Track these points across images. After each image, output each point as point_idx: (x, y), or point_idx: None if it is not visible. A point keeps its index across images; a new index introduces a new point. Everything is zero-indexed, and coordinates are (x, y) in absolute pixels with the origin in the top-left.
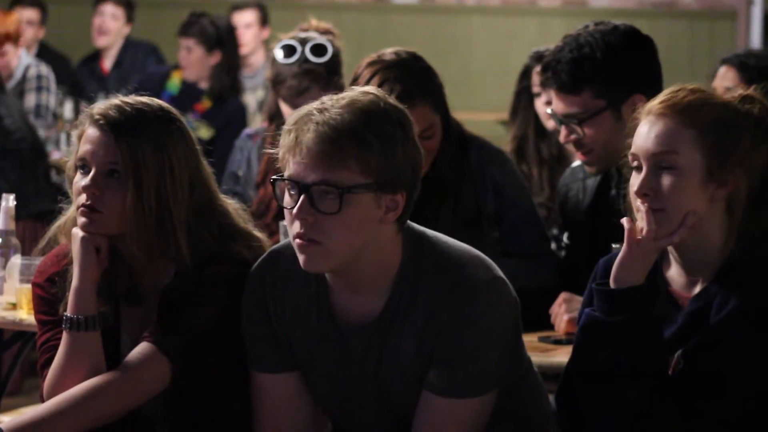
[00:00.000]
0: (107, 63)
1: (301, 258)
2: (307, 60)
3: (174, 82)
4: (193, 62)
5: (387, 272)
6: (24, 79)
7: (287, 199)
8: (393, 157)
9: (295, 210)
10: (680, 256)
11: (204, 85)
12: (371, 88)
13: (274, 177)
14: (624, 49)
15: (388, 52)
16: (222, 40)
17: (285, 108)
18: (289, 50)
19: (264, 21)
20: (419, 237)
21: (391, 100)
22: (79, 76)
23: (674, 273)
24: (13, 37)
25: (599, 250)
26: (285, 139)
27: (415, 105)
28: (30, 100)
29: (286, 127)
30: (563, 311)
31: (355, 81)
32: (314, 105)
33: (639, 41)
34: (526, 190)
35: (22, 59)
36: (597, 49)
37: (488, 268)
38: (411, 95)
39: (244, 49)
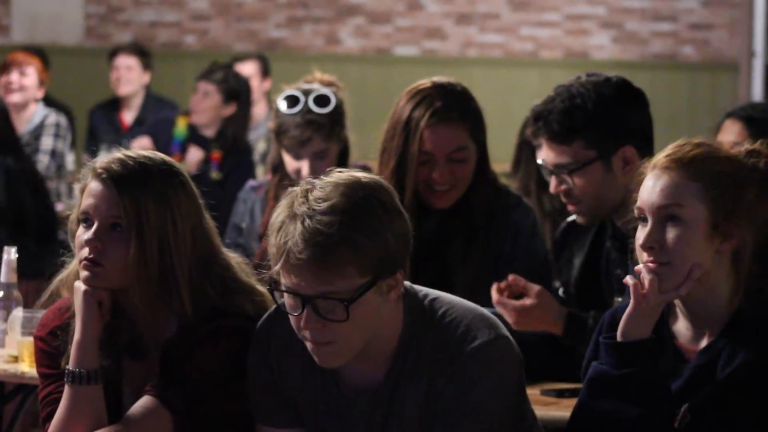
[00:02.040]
0: (128, 116)
1: (315, 357)
2: (310, 110)
3: (180, 128)
4: (206, 107)
5: (389, 340)
6: (42, 125)
7: (290, 303)
8: (386, 245)
9: (302, 322)
10: (687, 309)
11: (209, 132)
12: (344, 175)
13: (270, 287)
14: (616, 100)
15: (435, 78)
16: (240, 94)
17: (288, 159)
18: (292, 101)
19: (265, 72)
20: (420, 300)
21: (364, 178)
22: (94, 122)
23: (681, 326)
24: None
25: (593, 302)
26: (274, 239)
27: (452, 122)
28: (47, 142)
29: (273, 225)
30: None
31: (398, 101)
32: (299, 203)
33: (631, 94)
34: (542, 241)
35: (39, 108)
36: (588, 100)
37: (490, 326)
38: (449, 110)
39: None
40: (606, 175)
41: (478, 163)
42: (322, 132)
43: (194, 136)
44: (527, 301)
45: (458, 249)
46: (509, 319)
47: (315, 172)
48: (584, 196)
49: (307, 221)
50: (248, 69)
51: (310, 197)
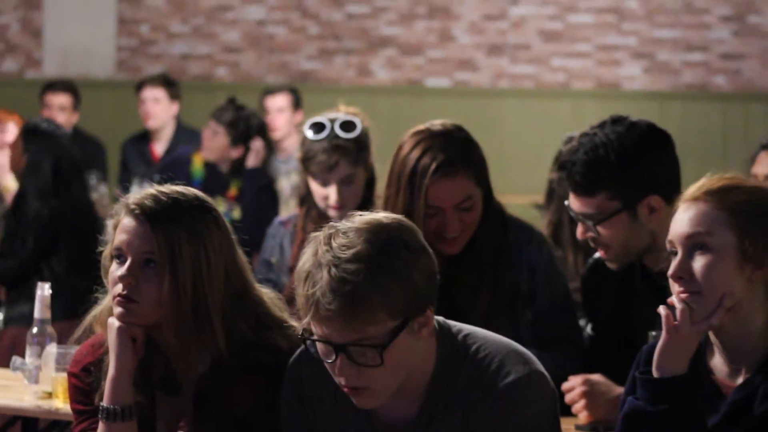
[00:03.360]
0: (159, 148)
1: (353, 399)
2: (336, 136)
3: (197, 167)
4: (214, 146)
5: (423, 375)
6: None
7: (323, 351)
8: (414, 286)
9: (336, 370)
10: (722, 343)
11: (225, 167)
12: (366, 218)
13: (302, 336)
14: (640, 150)
15: (435, 123)
16: (249, 138)
17: (315, 186)
18: (318, 127)
19: (297, 105)
20: (453, 335)
21: (385, 219)
22: (126, 155)
23: (717, 362)
24: None
25: (624, 341)
26: (301, 289)
27: (457, 174)
28: None
29: (300, 274)
30: (580, 394)
31: (399, 150)
32: (323, 251)
33: (656, 140)
34: (561, 275)
35: None
36: (612, 152)
37: (525, 362)
38: (453, 164)
39: (277, 134)
40: (632, 224)
41: (483, 203)
42: (349, 157)
43: (212, 173)
44: (577, 390)
45: (468, 289)
46: (580, 413)
47: (342, 198)
48: (611, 244)
49: (333, 270)
50: (280, 101)
51: (334, 244)
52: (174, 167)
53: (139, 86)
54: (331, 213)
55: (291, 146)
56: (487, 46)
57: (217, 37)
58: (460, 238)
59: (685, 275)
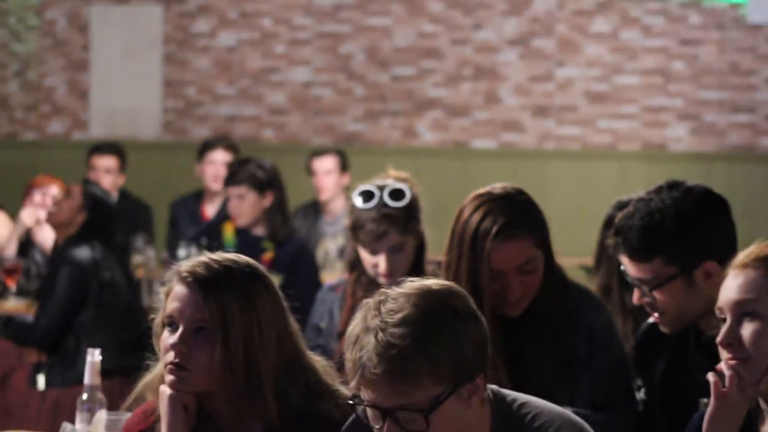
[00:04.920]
0: (210, 210)
1: None
2: (385, 204)
3: (228, 236)
4: (246, 209)
5: None
6: None
7: (371, 416)
8: (463, 353)
9: None
10: None
11: (258, 231)
12: (416, 284)
13: (352, 401)
14: (696, 216)
15: (496, 186)
16: (272, 181)
17: (365, 254)
18: (367, 196)
19: (344, 167)
20: (508, 405)
21: (435, 286)
22: (176, 216)
23: None
24: None
25: (677, 408)
26: (349, 353)
27: (518, 237)
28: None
29: (349, 338)
30: None
31: (460, 213)
32: (372, 316)
33: (712, 206)
34: (618, 340)
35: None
36: (668, 217)
37: (580, 431)
38: (514, 226)
39: (324, 195)
40: (688, 289)
41: (544, 265)
42: (398, 226)
43: (245, 239)
44: None
45: (530, 354)
46: None
47: (392, 266)
48: (667, 309)
49: (380, 335)
50: (327, 164)
51: (383, 309)
52: (208, 235)
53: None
54: (381, 280)
55: (337, 208)
56: (533, 108)
57: (263, 99)
58: (522, 301)
59: (734, 342)
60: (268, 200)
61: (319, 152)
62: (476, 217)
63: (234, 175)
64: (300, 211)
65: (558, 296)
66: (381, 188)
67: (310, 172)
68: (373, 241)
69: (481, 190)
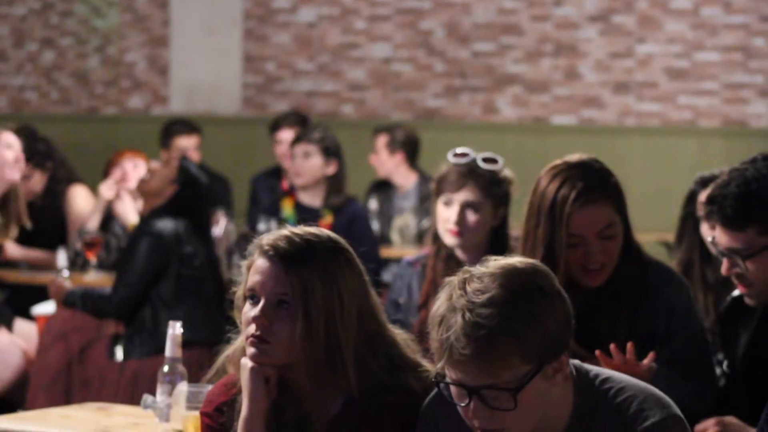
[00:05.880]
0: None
1: None
2: (475, 162)
3: (288, 211)
4: (309, 168)
5: (559, 420)
6: None
7: (457, 395)
8: (548, 331)
9: (470, 413)
10: None
11: (316, 203)
12: (501, 263)
13: (436, 380)
14: None
15: (572, 156)
16: (338, 152)
17: (440, 209)
18: (462, 154)
19: (395, 146)
20: (591, 380)
21: (520, 264)
22: (256, 190)
23: None
24: None
25: (760, 382)
26: (435, 333)
27: (597, 201)
28: None
29: (434, 318)
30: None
31: (537, 184)
32: (457, 296)
33: None
34: (699, 319)
35: None
36: (764, 186)
37: (663, 406)
38: (592, 191)
39: (379, 173)
40: None
41: (623, 237)
42: (480, 183)
43: (304, 211)
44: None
45: (606, 325)
46: None
47: (462, 222)
48: (756, 280)
49: (468, 315)
50: (377, 142)
51: (469, 289)
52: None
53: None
54: (448, 240)
55: (406, 184)
56: (614, 84)
57: (343, 75)
58: (603, 270)
59: None
60: (331, 168)
61: (378, 130)
62: (554, 185)
63: (304, 135)
64: (373, 188)
65: (636, 270)
66: (477, 152)
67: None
68: (451, 189)
69: (556, 161)
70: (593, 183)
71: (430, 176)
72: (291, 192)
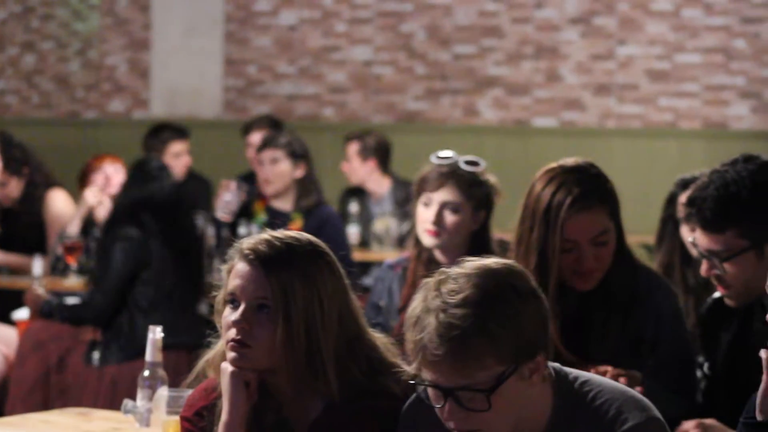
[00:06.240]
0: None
1: None
2: (456, 164)
3: (260, 215)
4: (278, 174)
5: (538, 422)
6: None
7: (432, 396)
8: (523, 331)
9: (445, 415)
10: None
11: (287, 206)
12: (475, 264)
13: (412, 380)
14: None
15: (567, 160)
16: (306, 154)
17: (420, 210)
18: (444, 156)
19: (366, 153)
20: (570, 383)
21: (494, 265)
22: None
23: None
24: None
25: (740, 383)
26: (410, 334)
27: (592, 207)
28: None
29: (409, 319)
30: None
31: (532, 187)
32: (432, 297)
33: None
34: (684, 327)
35: None
36: (743, 189)
37: (642, 409)
38: (588, 197)
39: (351, 180)
40: (758, 263)
41: (616, 241)
42: (461, 184)
43: (275, 215)
44: None
45: (597, 329)
46: None
47: (441, 223)
48: (735, 282)
49: (441, 315)
50: (349, 149)
51: (443, 289)
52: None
53: (247, 129)
54: (426, 241)
55: (378, 190)
56: (595, 86)
57: (324, 78)
58: (594, 275)
59: None
60: (300, 171)
61: (348, 138)
62: (549, 189)
63: (270, 140)
64: (346, 195)
65: (628, 276)
66: (459, 155)
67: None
68: (431, 189)
69: (552, 165)
70: (589, 189)
71: (405, 180)
72: (263, 196)
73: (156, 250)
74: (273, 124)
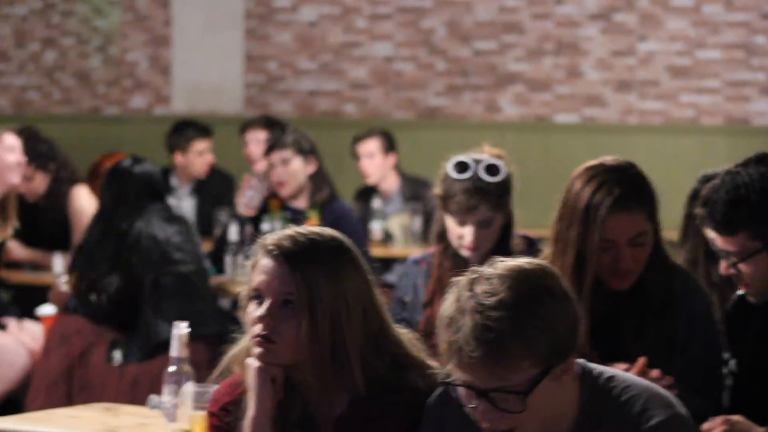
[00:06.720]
0: None
1: None
2: (479, 178)
3: (276, 213)
4: (291, 174)
5: (566, 419)
6: None
7: (465, 396)
8: (557, 333)
9: (479, 415)
10: None
11: (302, 204)
12: (509, 265)
13: (446, 380)
14: None
15: (607, 158)
16: (314, 148)
17: (451, 224)
18: (461, 167)
19: (388, 148)
20: (595, 379)
21: (528, 266)
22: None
23: None
24: None
25: (766, 379)
26: (444, 335)
27: (632, 209)
28: None
29: (442, 319)
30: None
31: (571, 185)
32: (466, 297)
33: None
34: (717, 329)
35: None
36: (753, 192)
37: (668, 405)
38: (628, 199)
39: (369, 179)
40: None
41: (653, 243)
42: (490, 201)
43: (290, 212)
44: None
45: (631, 328)
46: None
47: (478, 241)
48: (752, 281)
49: (477, 317)
50: (369, 147)
51: (477, 290)
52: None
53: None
54: (464, 253)
55: (390, 188)
56: (616, 82)
57: (345, 74)
58: (631, 274)
59: None
60: (311, 167)
61: (361, 136)
62: (589, 188)
63: (276, 142)
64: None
65: (663, 277)
66: (477, 162)
67: (355, 157)
68: (462, 212)
69: (592, 163)
70: (630, 190)
71: (413, 177)
72: (276, 195)
73: (171, 246)
74: (269, 124)
